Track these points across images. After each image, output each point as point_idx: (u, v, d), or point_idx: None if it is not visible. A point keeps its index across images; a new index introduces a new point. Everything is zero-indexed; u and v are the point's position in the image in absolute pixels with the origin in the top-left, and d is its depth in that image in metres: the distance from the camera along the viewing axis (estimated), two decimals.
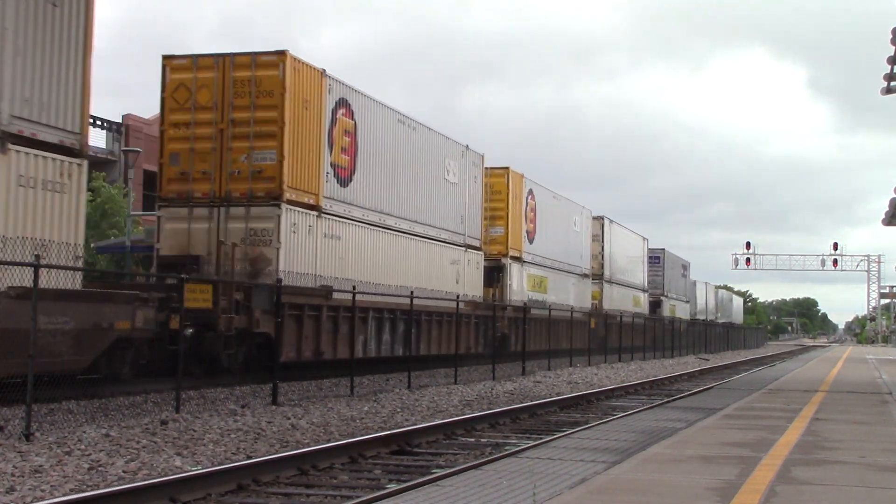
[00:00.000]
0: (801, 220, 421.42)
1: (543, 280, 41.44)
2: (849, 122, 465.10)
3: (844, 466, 9.12)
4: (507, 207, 36.89)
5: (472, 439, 14.37)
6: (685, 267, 79.93)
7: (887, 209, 29.58)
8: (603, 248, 51.98)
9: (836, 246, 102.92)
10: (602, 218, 52.21)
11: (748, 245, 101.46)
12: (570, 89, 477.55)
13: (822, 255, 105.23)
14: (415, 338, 27.11)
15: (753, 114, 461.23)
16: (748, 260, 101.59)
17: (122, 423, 13.74)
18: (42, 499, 8.72)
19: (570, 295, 45.03)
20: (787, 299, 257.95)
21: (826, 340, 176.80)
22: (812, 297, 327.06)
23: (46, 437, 12.23)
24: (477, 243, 33.68)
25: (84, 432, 12.73)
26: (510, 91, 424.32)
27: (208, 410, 15.87)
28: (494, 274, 36.22)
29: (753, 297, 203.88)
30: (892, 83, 20.66)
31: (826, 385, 22.76)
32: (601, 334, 45.80)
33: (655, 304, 66.54)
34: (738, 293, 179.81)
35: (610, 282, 53.22)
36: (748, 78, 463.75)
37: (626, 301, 56.37)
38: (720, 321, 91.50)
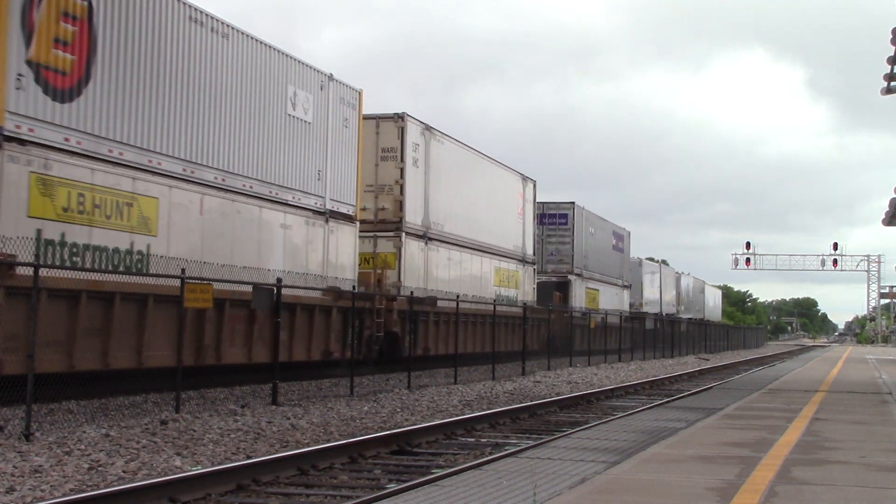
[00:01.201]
0: (801, 220, 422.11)
1: (146, 204, 17.42)
2: (848, 122, 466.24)
3: (844, 466, 9.12)
4: None
5: (472, 439, 14.38)
6: (620, 237, 56.33)
7: (887, 209, 29.54)
8: (404, 173, 28.43)
9: (836, 246, 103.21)
10: (402, 118, 28.47)
11: (748, 245, 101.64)
12: (570, 89, 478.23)
13: (822, 255, 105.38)
14: None
15: (753, 114, 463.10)
16: (748, 260, 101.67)
17: (122, 423, 13.75)
18: (42, 499, 8.72)
19: (280, 252, 21.79)
20: (787, 299, 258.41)
21: (826, 340, 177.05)
22: (812, 297, 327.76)
23: (46, 437, 12.23)
24: None
25: (84, 432, 12.74)
26: (510, 91, 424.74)
27: (208, 410, 15.88)
28: None
29: (753, 296, 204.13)
30: (892, 83, 20.64)
31: (826, 385, 22.76)
32: (387, 328, 26.01)
33: (559, 286, 45.62)
34: (738, 293, 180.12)
35: (424, 237, 29.64)
36: (747, 78, 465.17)
37: (477, 277, 33.82)
38: (684, 317, 69.83)
